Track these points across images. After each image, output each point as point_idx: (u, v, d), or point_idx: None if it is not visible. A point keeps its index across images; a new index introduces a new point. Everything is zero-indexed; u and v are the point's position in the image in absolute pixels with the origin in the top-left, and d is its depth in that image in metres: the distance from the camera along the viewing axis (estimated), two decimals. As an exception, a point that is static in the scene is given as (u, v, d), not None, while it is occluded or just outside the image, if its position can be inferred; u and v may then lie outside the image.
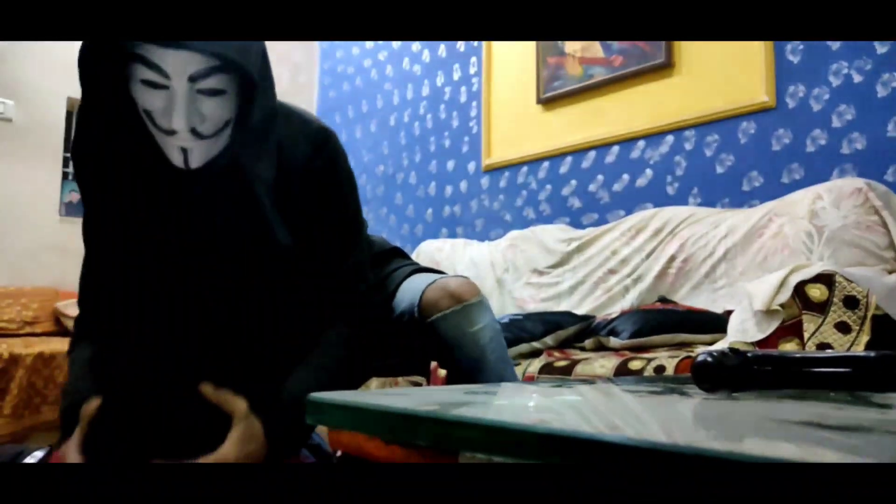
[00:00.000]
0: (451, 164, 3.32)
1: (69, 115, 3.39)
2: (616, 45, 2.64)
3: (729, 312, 1.82)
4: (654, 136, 2.54)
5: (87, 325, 1.01)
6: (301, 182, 0.94)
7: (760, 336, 1.42)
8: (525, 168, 3.00)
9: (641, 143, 2.58)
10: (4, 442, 2.03)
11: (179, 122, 0.80)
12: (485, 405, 0.36)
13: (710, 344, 1.67)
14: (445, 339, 1.01)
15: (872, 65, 2.05)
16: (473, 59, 3.27)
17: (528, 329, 1.94)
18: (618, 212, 2.62)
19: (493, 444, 0.29)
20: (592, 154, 2.74)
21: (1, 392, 2.15)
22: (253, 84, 0.84)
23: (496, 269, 2.71)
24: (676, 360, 1.50)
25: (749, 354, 0.42)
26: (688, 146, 2.44)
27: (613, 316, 1.88)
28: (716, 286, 2.01)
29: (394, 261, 1.18)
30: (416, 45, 3.57)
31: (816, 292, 1.40)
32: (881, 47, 2.04)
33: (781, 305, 1.42)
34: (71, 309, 2.98)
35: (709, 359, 0.41)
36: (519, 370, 1.73)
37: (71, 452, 0.81)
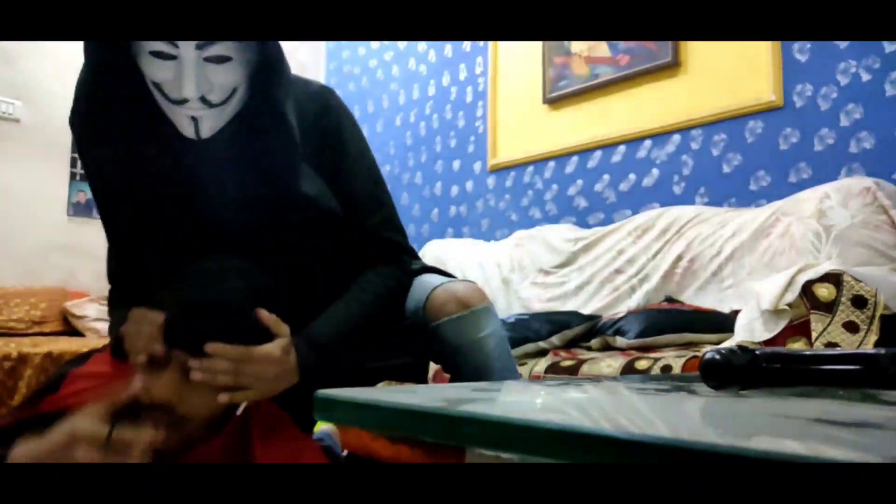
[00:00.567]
0: (456, 164, 3.32)
1: (77, 115, 3.41)
2: (622, 44, 2.63)
3: (736, 312, 1.82)
4: (660, 136, 2.53)
5: (119, 296, 1.02)
6: (314, 141, 0.96)
7: (768, 335, 1.41)
8: (531, 168, 2.99)
9: (648, 143, 2.57)
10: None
11: (190, 90, 0.82)
12: (492, 402, 0.36)
13: (717, 344, 1.67)
14: (450, 345, 1.00)
15: (881, 63, 2.04)
16: (479, 59, 3.26)
17: (534, 329, 1.93)
18: (624, 211, 2.61)
19: (501, 440, 0.29)
20: (599, 154, 2.74)
21: (9, 391, 2.16)
22: (259, 48, 0.86)
23: (502, 268, 2.70)
24: (683, 359, 1.49)
25: (757, 352, 0.42)
26: (694, 146, 2.44)
27: (620, 315, 1.88)
28: (723, 286, 2.00)
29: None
30: (421, 46, 3.57)
31: (824, 292, 1.39)
32: (889, 46, 2.03)
33: (789, 305, 1.41)
34: (79, 309, 3.00)
35: (717, 356, 0.41)
36: (525, 370, 1.73)
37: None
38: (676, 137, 2.49)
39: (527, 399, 0.38)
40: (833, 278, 1.40)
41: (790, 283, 1.41)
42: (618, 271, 2.31)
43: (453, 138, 3.35)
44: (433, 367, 1.34)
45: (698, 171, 2.42)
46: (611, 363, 1.61)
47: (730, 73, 2.35)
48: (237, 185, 0.93)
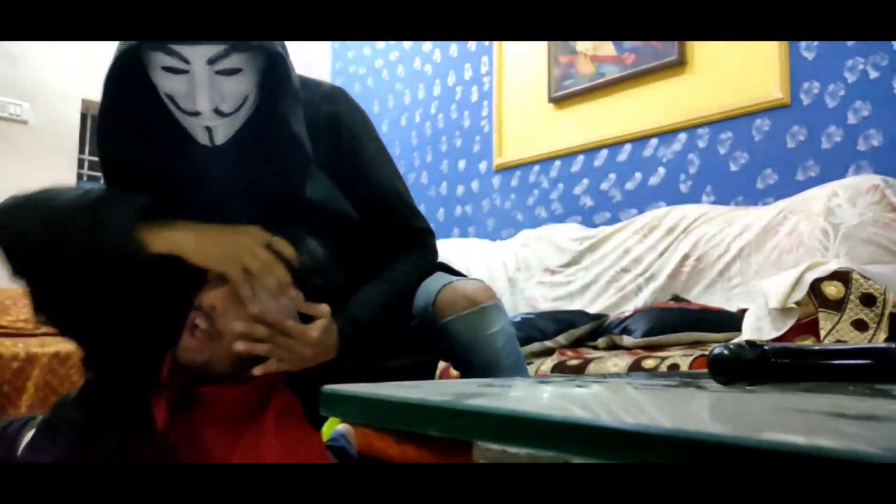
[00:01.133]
0: (462, 164, 3.32)
1: (84, 116, 3.42)
2: (628, 43, 2.62)
3: (743, 311, 1.81)
4: (666, 134, 2.52)
5: None
6: (329, 143, 0.99)
7: (776, 334, 1.40)
8: (537, 167, 2.99)
9: (654, 142, 2.56)
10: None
11: (203, 104, 0.84)
12: (499, 396, 0.36)
13: (725, 342, 1.66)
14: (459, 342, 1.00)
15: (889, 61, 2.02)
16: (485, 58, 3.26)
17: (540, 328, 1.93)
18: (630, 210, 2.60)
19: (509, 433, 0.28)
20: (604, 153, 2.73)
21: (17, 391, 2.17)
22: (268, 57, 0.89)
23: (508, 268, 2.70)
24: (690, 358, 1.48)
25: (766, 347, 0.41)
26: (701, 144, 2.43)
27: (626, 314, 1.87)
28: (730, 285, 1.99)
29: None
30: (427, 46, 3.57)
31: (833, 290, 1.38)
32: (898, 42, 2.02)
33: (797, 303, 1.40)
34: (86, 309, 3.01)
35: (725, 352, 0.40)
36: (531, 369, 1.72)
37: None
38: (683, 136, 2.48)
39: (533, 394, 0.38)
40: (841, 276, 1.39)
41: (798, 282, 1.40)
42: (624, 270, 2.30)
43: (459, 138, 3.35)
44: (440, 367, 1.34)
45: (705, 170, 2.41)
46: (617, 362, 1.60)
47: (736, 71, 2.34)
48: (247, 190, 0.95)
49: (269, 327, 0.86)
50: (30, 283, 0.91)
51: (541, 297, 2.49)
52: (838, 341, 1.33)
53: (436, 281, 1.05)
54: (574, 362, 1.70)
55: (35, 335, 2.77)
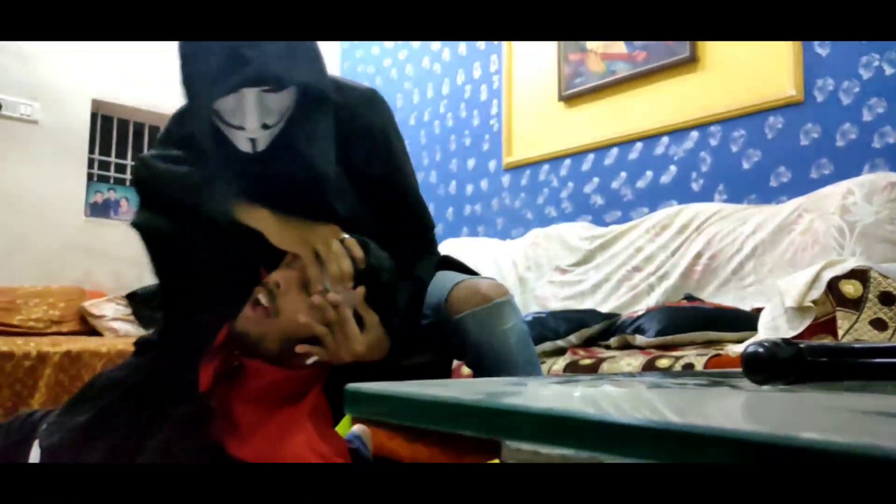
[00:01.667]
0: (471, 163, 3.31)
1: (94, 116, 3.43)
2: (639, 40, 2.61)
3: (758, 310, 1.79)
4: (678, 132, 2.50)
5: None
6: (364, 143, 1.02)
7: (792, 333, 1.38)
8: (546, 166, 2.97)
9: (665, 140, 2.54)
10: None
11: (252, 123, 0.89)
12: (531, 395, 0.34)
13: (740, 342, 1.64)
14: (472, 338, 1.00)
15: (905, 56, 2.00)
16: (494, 56, 3.25)
17: (551, 327, 1.92)
18: (641, 209, 2.59)
19: (545, 432, 0.27)
20: (615, 151, 2.71)
21: (29, 390, 2.18)
22: (309, 67, 0.92)
23: (518, 267, 2.69)
24: (705, 358, 1.47)
25: (802, 345, 0.40)
26: (713, 142, 2.41)
27: (639, 314, 1.86)
28: (743, 283, 1.97)
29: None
30: (435, 44, 3.56)
31: (850, 288, 1.36)
32: (914, 38, 1.99)
33: (814, 302, 1.39)
34: (97, 308, 3.02)
35: (760, 349, 0.39)
36: (543, 368, 1.71)
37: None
38: (694, 134, 2.46)
39: (564, 392, 0.37)
40: (859, 275, 1.37)
41: (815, 280, 1.38)
42: (635, 269, 2.29)
43: (468, 137, 3.34)
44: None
45: (717, 168, 2.39)
46: (631, 362, 1.59)
47: (749, 68, 2.32)
48: (279, 195, 0.99)
49: (336, 312, 0.91)
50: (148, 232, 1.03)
51: (551, 297, 2.48)
52: (857, 341, 1.31)
53: (448, 278, 1.06)
54: (587, 362, 1.68)
55: (46, 334, 2.78)
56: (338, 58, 4.23)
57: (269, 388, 0.92)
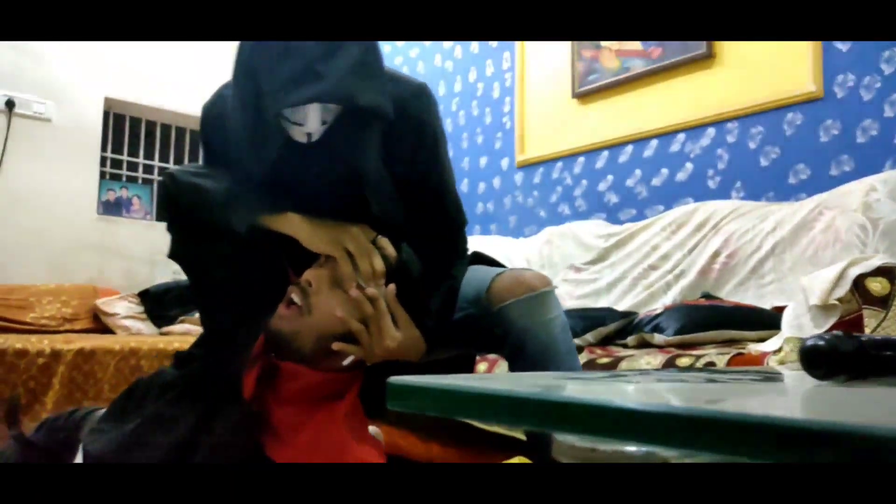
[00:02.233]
0: (483, 161, 3.29)
1: (106, 115, 3.44)
2: (654, 36, 2.58)
3: (778, 309, 1.76)
4: (694, 129, 2.48)
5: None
6: (413, 137, 1.02)
7: (817, 332, 1.35)
8: (560, 163, 2.95)
9: (681, 137, 2.52)
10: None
11: (313, 124, 0.89)
12: (585, 388, 0.33)
13: (760, 341, 1.61)
14: (515, 326, 1.00)
15: (928, 51, 1.97)
16: (506, 54, 3.23)
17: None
18: (657, 207, 2.56)
19: (607, 426, 0.26)
20: (630, 148, 2.69)
21: (43, 387, 2.18)
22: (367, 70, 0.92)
23: (531, 265, 2.67)
24: (727, 356, 1.44)
25: (863, 338, 0.38)
26: (730, 139, 2.38)
27: (657, 312, 1.83)
28: (763, 282, 1.94)
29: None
30: (447, 42, 3.55)
31: (877, 286, 1.34)
32: (937, 33, 1.96)
33: (839, 300, 1.36)
34: (109, 306, 3.02)
35: (821, 342, 0.37)
36: (560, 367, 1.69)
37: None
38: (711, 130, 2.43)
39: (619, 386, 0.35)
40: (886, 272, 1.34)
41: (840, 277, 1.35)
42: (652, 267, 2.26)
43: (480, 135, 3.32)
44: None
45: (734, 165, 2.36)
46: (650, 360, 1.56)
47: (767, 64, 2.29)
48: (327, 189, 0.99)
49: (372, 307, 0.92)
50: (180, 241, 1.06)
51: (566, 295, 2.46)
52: (884, 339, 1.28)
53: (484, 270, 1.05)
54: (604, 360, 1.66)
55: (59, 332, 2.78)
56: (349, 56, 4.22)
57: (304, 390, 0.92)
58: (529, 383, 0.32)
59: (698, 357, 1.49)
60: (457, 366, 1.13)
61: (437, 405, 0.32)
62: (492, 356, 1.81)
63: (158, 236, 3.52)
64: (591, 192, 2.81)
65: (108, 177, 3.53)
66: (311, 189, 0.98)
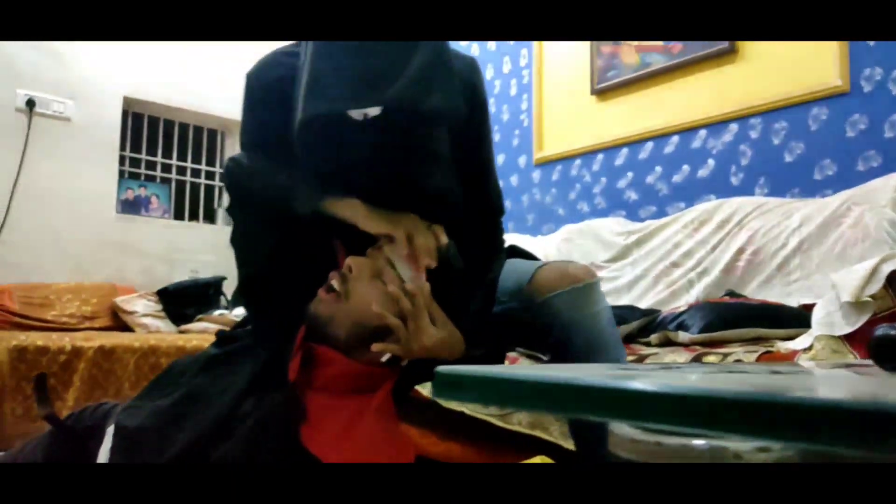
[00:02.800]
0: (501, 159, 3.27)
1: (125, 114, 3.45)
2: (675, 31, 2.54)
3: (805, 307, 1.73)
4: (716, 125, 2.44)
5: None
6: (467, 107, 0.99)
7: (849, 329, 1.33)
8: (578, 161, 2.92)
9: (703, 133, 2.48)
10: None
11: (375, 111, 0.87)
12: (649, 378, 0.31)
13: (788, 339, 1.58)
14: (560, 318, 0.98)
15: (959, 43, 1.92)
16: (524, 51, 3.21)
17: (589, 323, 1.87)
18: (678, 204, 2.53)
19: (689, 415, 0.24)
20: (650, 145, 2.65)
21: (64, 384, 2.19)
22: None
23: (550, 263, 2.64)
24: (755, 355, 1.42)
25: (936, 329, 0.36)
26: (753, 134, 2.34)
27: (681, 310, 1.80)
28: (789, 279, 1.91)
29: None
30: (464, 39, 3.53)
31: (912, 282, 1.30)
32: (969, 24, 1.91)
33: (872, 296, 1.33)
34: (128, 304, 3.04)
35: (892, 332, 0.35)
36: (583, 365, 1.67)
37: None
38: (734, 126, 2.39)
39: (681, 376, 0.33)
40: (920, 268, 1.31)
41: (873, 273, 1.32)
42: (674, 265, 2.23)
43: (497, 132, 3.30)
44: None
45: (758, 161, 2.33)
46: (675, 359, 1.54)
47: (791, 58, 2.25)
48: (382, 168, 0.96)
49: (411, 304, 0.91)
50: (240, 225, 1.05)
51: (586, 293, 2.43)
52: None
53: (526, 263, 1.04)
54: (628, 358, 1.63)
55: (80, 329, 2.80)
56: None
57: (337, 378, 0.91)
58: (591, 373, 0.30)
59: (725, 355, 1.47)
60: (488, 362, 1.11)
61: (492, 395, 0.30)
62: (512, 354, 1.79)
63: (176, 235, 3.54)
64: (611, 190, 2.78)
65: (126, 176, 3.55)
66: (361, 167, 0.96)
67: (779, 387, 0.30)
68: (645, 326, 1.90)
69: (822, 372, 0.42)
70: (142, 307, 3.04)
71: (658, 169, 2.62)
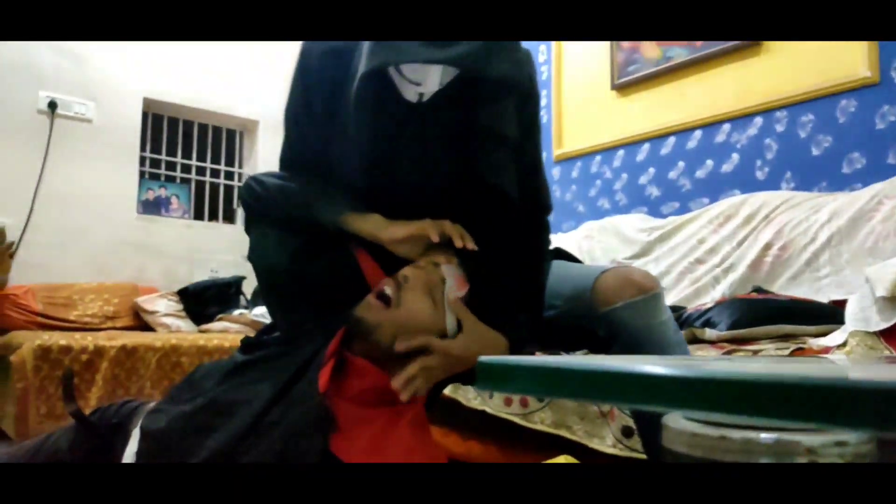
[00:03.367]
0: (520, 156, 3.24)
1: (145, 115, 3.48)
2: (697, 24, 2.50)
3: (836, 303, 1.69)
4: (740, 119, 2.40)
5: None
6: (520, 100, 0.99)
7: (885, 325, 1.29)
8: (599, 157, 2.89)
9: (727, 127, 2.44)
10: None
11: (432, 85, 0.87)
12: (718, 367, 0.29)
13: (820, 336, 1.54)
14: (627, 330, 0.95)
15: None
16: (543, 47, 3.18)
17: (613, 321, 1.84)
18: (701, 199, 2.49)
19: (764, 403, 0.22)
20: (672, 140, 2.62)
21: (87, 384, 2.20)
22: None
23: (571, 261, 2.61)
24: (787, 352, 1.38)
25: None
26: (779, 128, 2.29)
27: (707, 307, 1.77)
28: (818, 275, 1.86)
29: None
30: (482, 36, 3.51)
31: (951, 276, 1.26)
32: None
33: (909, 291, 1.29)
34: (150, 304, 3.06)
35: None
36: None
37: None
38: (758, 120, 2.35)
39: (745, 366, 0.31)
40: (960, 262, 1.27)
41: (910, 267, 1.28)
42: (698, 261, 2.19)
43: (516, 129, 3.27)
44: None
45: (784, 155, 2.28)
46: (704, 356, 1.51)
47: (817, 50, 2.20)
48: (435, 154, 0.95)
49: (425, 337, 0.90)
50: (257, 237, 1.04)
51: (608, 291, 2.40)
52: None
53: (584, 269, 1.02)
54: (654, 356, 1.60)
55: (102, 329, 2.82)
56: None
57: (369, 391, 0.90)
58: (656, 362, 0.28)
59: (755, 352, 1.43)
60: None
61: (545, 386, 0.28)
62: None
63: (197, 235, 3.56)
64: (632, 186, 2.75)
65: (147, 176, 3.58)
66: (414, 151, 0.94)
67: (848, 375, 0.28)
68: (670, 324, 1.87)
69: (868, 364, 0.40)
70: (163, 307, 3.06)
71: (681, 164, 2.58)
